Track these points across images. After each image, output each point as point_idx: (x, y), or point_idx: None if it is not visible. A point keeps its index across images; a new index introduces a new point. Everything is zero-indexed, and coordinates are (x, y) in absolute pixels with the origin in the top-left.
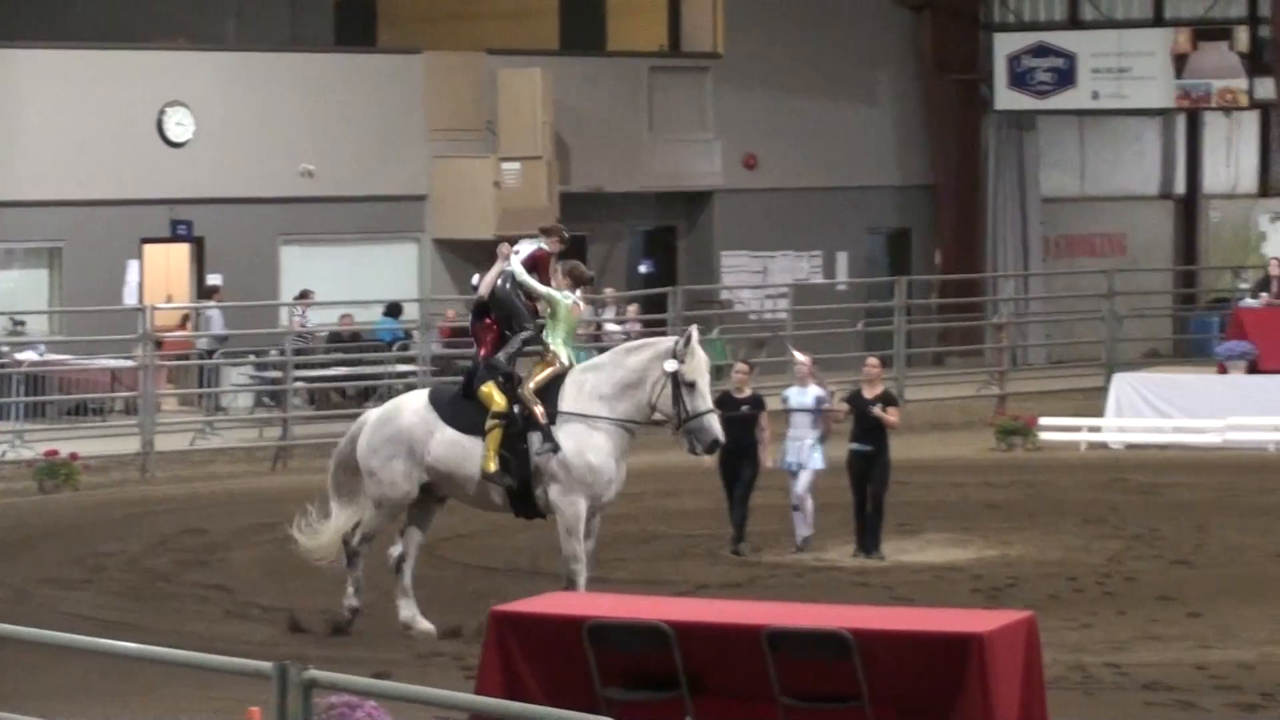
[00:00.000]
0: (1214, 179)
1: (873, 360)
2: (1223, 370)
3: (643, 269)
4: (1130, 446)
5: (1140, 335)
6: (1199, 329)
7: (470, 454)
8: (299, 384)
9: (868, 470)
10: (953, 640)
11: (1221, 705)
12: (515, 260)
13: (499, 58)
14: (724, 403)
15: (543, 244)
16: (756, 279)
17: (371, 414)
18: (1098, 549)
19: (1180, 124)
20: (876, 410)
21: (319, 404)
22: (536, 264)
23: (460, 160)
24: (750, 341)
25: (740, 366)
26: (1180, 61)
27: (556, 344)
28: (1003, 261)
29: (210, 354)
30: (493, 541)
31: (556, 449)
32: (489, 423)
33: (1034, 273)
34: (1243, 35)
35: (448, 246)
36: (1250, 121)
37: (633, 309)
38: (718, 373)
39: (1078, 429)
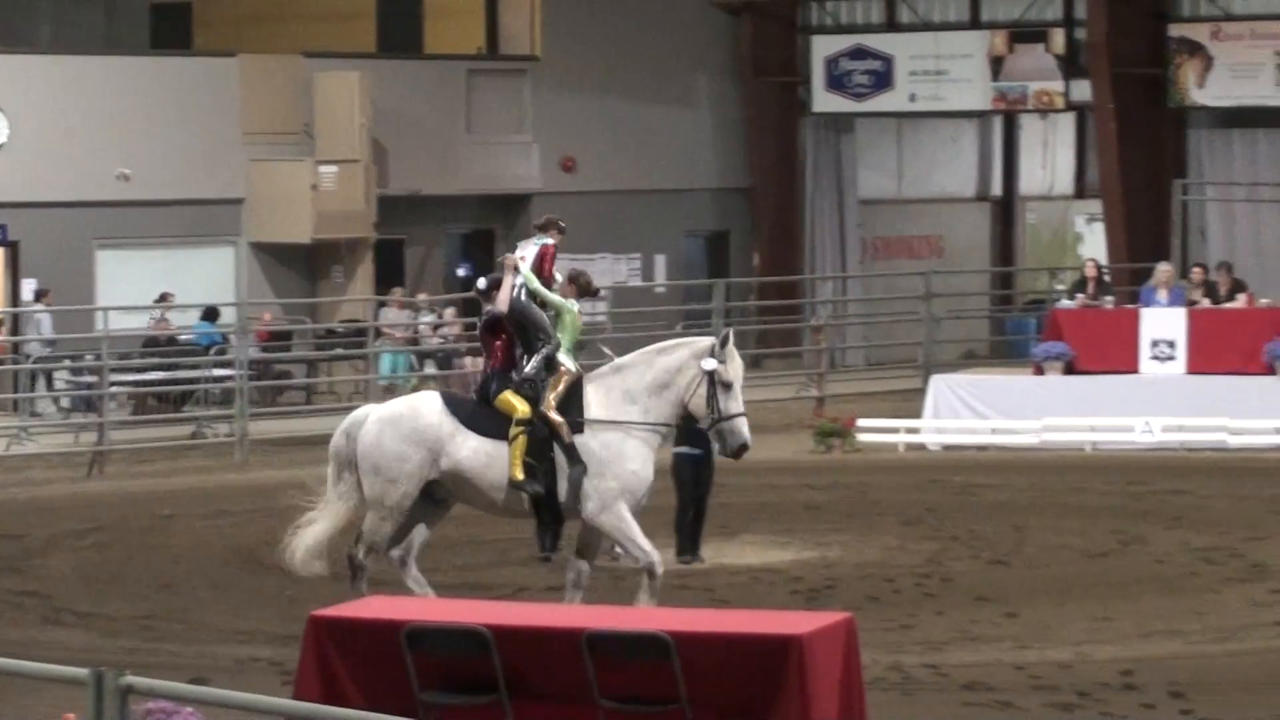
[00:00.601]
0: (1030, 181)
1: None
2: (1039, 371)
3: (461, 272)
4: (948, 447)
5: (957, 336)
6: (1016, 330)
7: (495, 460)
8: (115, 389)
9: (695, 474)
10: (771, 642)
11: (1039, 705)
12: (525, 268)
13: (316, 61)
14: None
15: (545, 239)
16: None
17: (374, 411)
18: (916, 550)
19: (997, 126)
20: None
21: (136, 409)
22: (544, 261)
23: (277, 164)
24: None
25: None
26: (997, 64)
27: (563, 354)
28: (821, 264)
29: (39, 358)
30: None
31: (584, 473)
32: (513, 430)
33: (852, 275)
34: (1059, 38)
35: (265, 250)
36: (1066, 124)
37: (450, 312)
38: None
39: (896, 430)
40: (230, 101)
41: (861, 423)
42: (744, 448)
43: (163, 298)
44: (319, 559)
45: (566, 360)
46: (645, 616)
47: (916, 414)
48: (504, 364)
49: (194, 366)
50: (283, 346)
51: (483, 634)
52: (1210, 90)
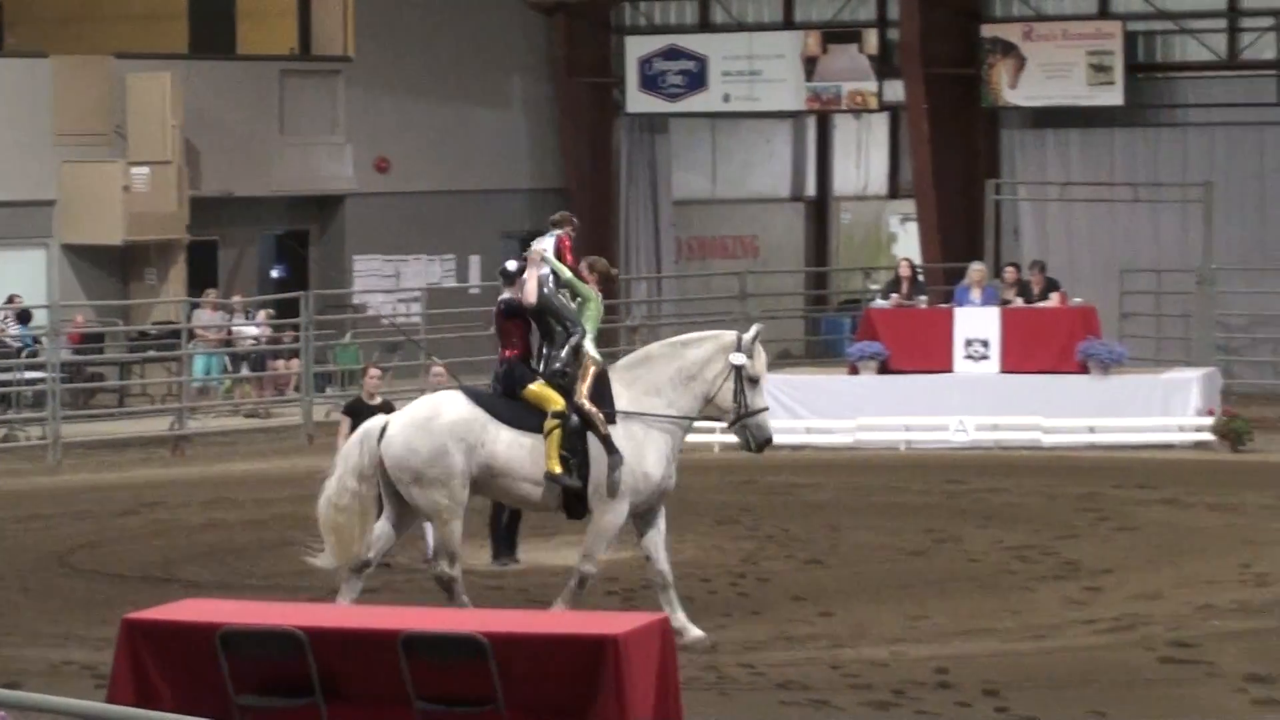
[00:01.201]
0: (844, 181)
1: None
2: (854, 371)
3: (274, 273)
4: None
5: (772, 336)
6: (830, 330)
7: (531, 453)
8: None
9: None
10: (587, 642)
11: (855, 704)
12: (550, 256)
13: (128, 61)
14: (356, 409)
15: (558, 232)
16: (389, 283)
17: (392, 420)
18: (731, 550)
19: (811, 126)
20: None
21: None
22: (564, 251)
23: (89, 165)
24: (383, 345)
25: (373, 371)
26: (810, 64)
27: (589, 343)
28: (635, 264)
29: None
30: (125, 549)
31: (621, 462)
32: (549, 423)
33: (667, 275)
34: (872, 38)
35: (76, 252)
36: (880, 124)
37: (263, 314)
38: (351, 377)
39: (711, 430)
40: (41, 102)
41: None
42: (768, 442)
43: (10, 299)
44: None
45: (592, 350)
46: (461, 618)
47: None
48: (523, 352)
49: (6, 369)
50: (95, 349)
51: (297, 636)
52: (1023, 90)
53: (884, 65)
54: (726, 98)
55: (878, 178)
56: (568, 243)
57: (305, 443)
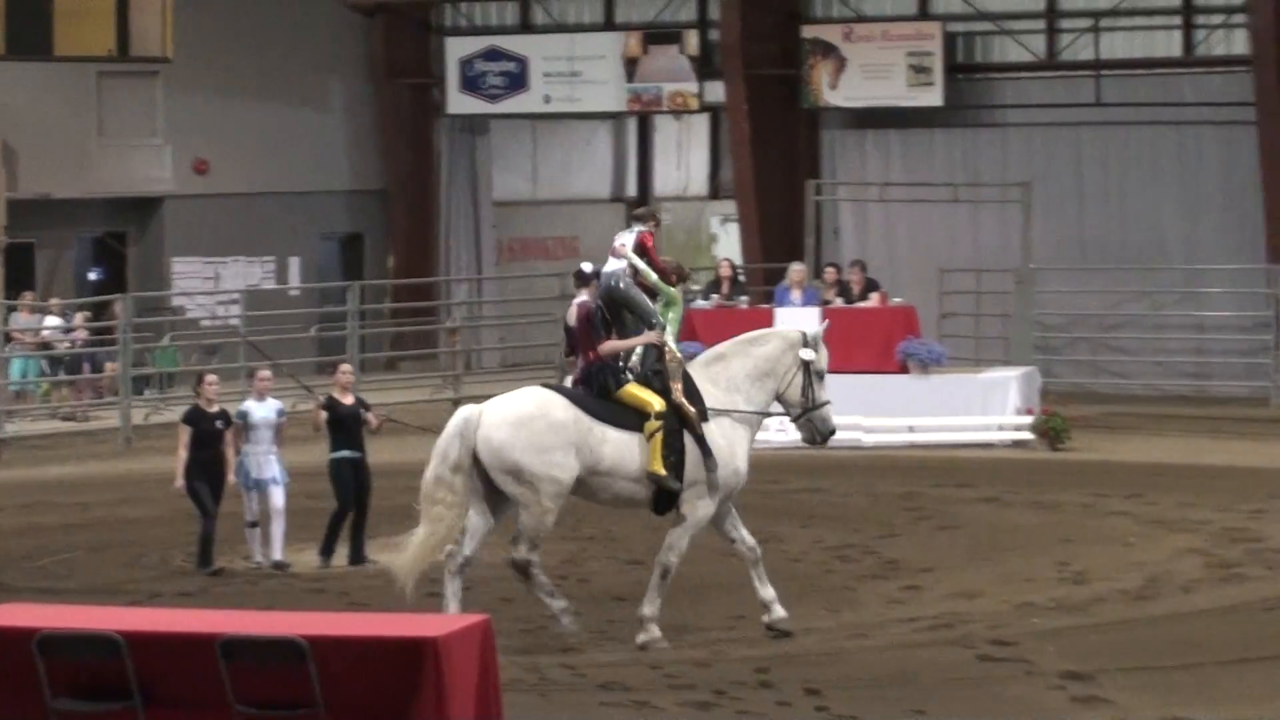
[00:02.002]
0: (665, 182)
1: (346, 366)
2: None
3: (92, 276)
4: None
5: None
6: None
7: (634, 453)
8: None
9: (356, 477)
10: (407, 644)
11: (676, 704)
12: (630, 251)
13: None
14: (195, 418)
15: (641, 227)
16: (208, 285)
17: (487, 412)
18: (553, 551)
19: (631, 127)
20: (369, 416)
21: None
22: (646, 248)
23: None
24: (202, 348)
25: (210, 378)
26: (631, 65)
27: (670, 339)
28: (456, 265)
29: None
30: None
31: (717, 464)
32: (651, 424)
33: (487, 276)
34: (693, 39)
35: None
36: (701, 125)
37: (81, 316)
38: (170, 380)
39: None
40: None
41: None
42: (832, 433)
43: None
44: (420, 569)
45: (674, 346)
46: (280, 621)
47: None
48: (597, 354)
49: None
50: None
51: (115, 640)
52: (843, 91)
53: (705, 66)
54: (547, 99)
55: (698, 178)
56: (649, 238)
57: (123, 446)
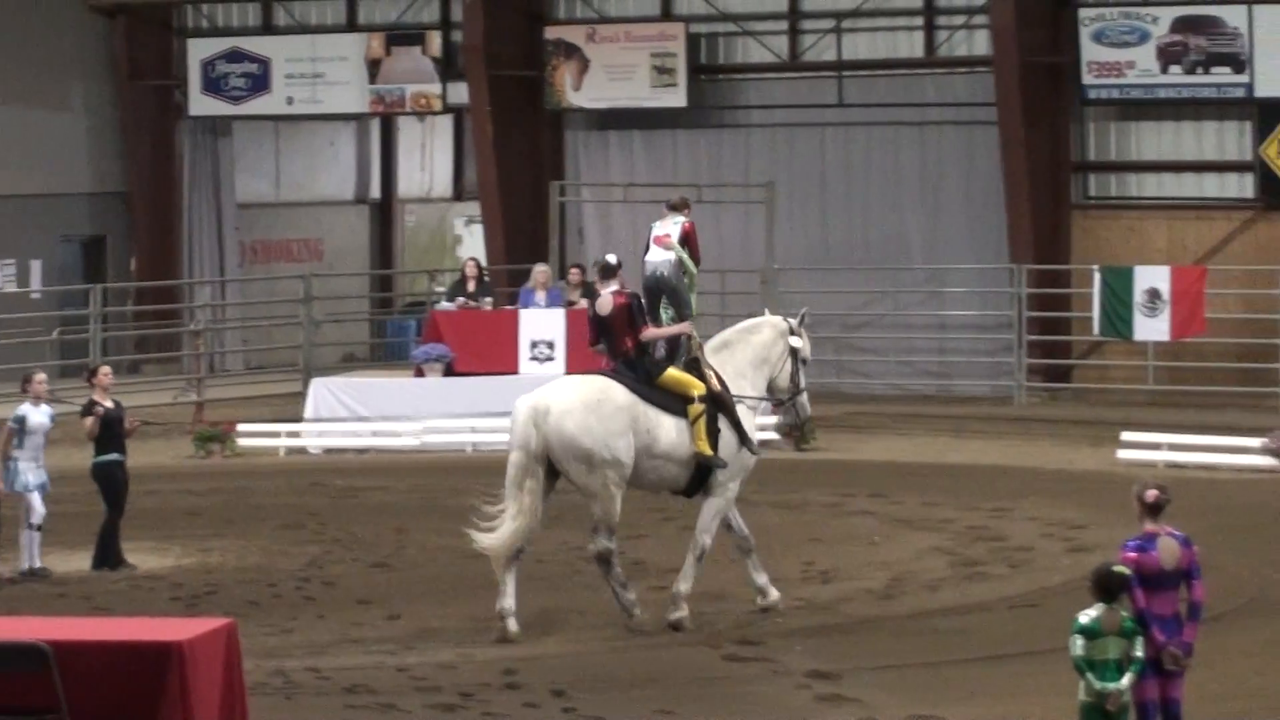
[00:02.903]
0: (409, 183)
1: (105, 369)
2: (420, 373)
3: None
4: (329, 450)
5: (337, 340)
6: (396, 333)
7: (683, 436)
8: None
9: (125, 480)
10: (151, 649)
11: (422, 706)
12: (674, 241)
13: None
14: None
15: (681, 218)
16: None
17: (554, 400)
18: (297, 554)
19: (375, 129)
20: (130, 420)
21: None
22: (690, 239)
23: None
24: None
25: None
26: (374, 67)
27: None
28: (199, 268)
29: None
30: None
31: (755, 447)
32: (695, 407)
33: (230, 279)
34: (435, 40)
35: None
36: (444, 126)
37: None
38: None
39: (276, 434)
40: None
41: (242, 427)
42: (810, 419)
43: None
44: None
45: (695, 335)
46: (23, 627)
47: (297, 417)
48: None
49: None
50: None
51: None
52: (587, 92)
53: (448, 67)
54: (290, 100)
55: (442, 180)
56: (693, 228)
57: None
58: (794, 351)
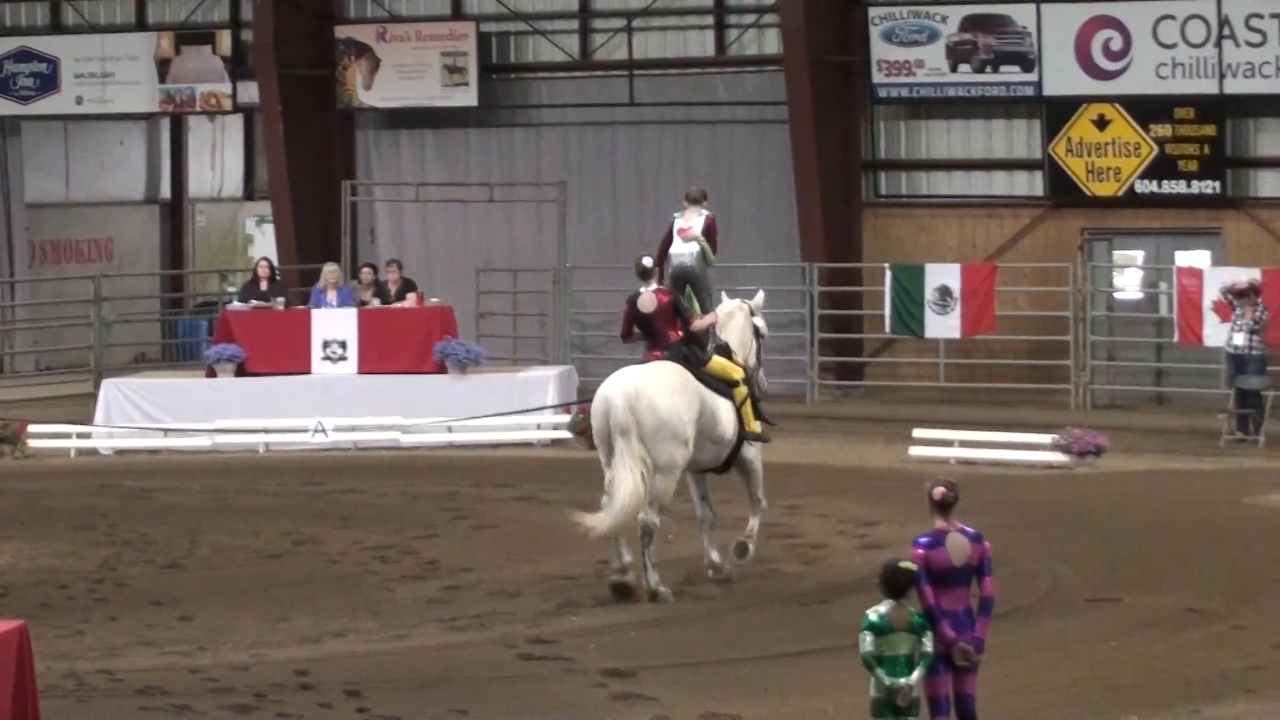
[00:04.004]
0: (200, 183)
1: None
2: (212, 374)
3: None
4: (120, 452)
5: (129, 340)
6: (187, 333)
7: (733, 417)
8: None
9: None
10: None
11: (216, 708)
12: (698, 233)
13: None
14: None
15: (704, 210)
16: None
17: (645, 382)
18: (89, 555)
19: (165, 128)
20: None
21: None
22: (712, 231)
23: None
24: None
25: None
26: (164, 66)
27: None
28: None
29: None
30: None
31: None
32: (741, 389)
33: (20, 280)
34: (225, 39)
35: None
36: (235, 126)
37: None
38: None
39: (68, 435)
40: None
41: (32, 428)
42: (764, 394)
43: None
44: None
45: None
46: None
47: (88, 419)
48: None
49: None
50: None
51: None
52: (378, 91)
53: (238, 67)
54: (79, 100)
55: (233, 179)
56: (713, 221)
57: None
58: (758, 331)
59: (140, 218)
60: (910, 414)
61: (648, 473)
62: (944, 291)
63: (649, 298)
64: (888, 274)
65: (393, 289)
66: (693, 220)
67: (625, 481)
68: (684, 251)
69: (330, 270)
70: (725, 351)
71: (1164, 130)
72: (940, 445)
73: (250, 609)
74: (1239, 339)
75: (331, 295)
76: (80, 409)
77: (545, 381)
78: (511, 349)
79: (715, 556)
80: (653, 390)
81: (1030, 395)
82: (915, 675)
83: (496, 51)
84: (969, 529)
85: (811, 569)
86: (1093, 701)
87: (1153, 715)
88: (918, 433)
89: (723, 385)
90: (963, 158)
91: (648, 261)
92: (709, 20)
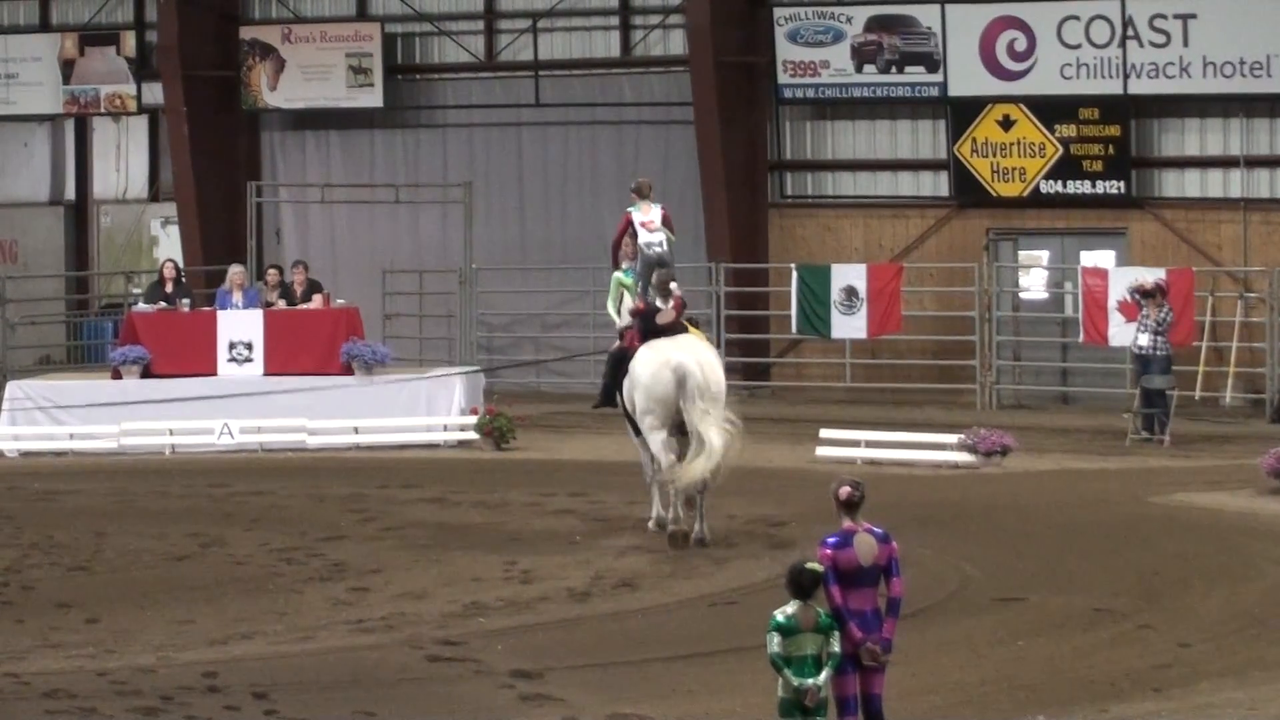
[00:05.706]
0: (104, 184)
1: None
2: (117, 375)
3: None
4: (25, 454)
5: (33, 342)
6: (92, 334)
7: None
8: None
9: None
10: None
11: (123, 711)
12: (659, 224)
13: None
14: None
15: (657, 204)
16: None
17: (694, 355)
18: None
19: (69, 130)
20: None
21: None
22: (668, 223)
23: None
24: None
25: None
26: (68, 67)
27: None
28: None
29: None
30: None
31: None
32: None
33: None
34: (129, 40)
35: None
36: (140, 127)
37: None
38: None
39: None
40: None
41: None
42: None
43: None
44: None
45: None
46: None
47: None
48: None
49: None
50: None
51: None
52: (283, 92)
53: (143, 68)
54: None
55: (138, 181)
56: (668, 213)
57: None
58: None
59: (45, 219)
60: (817, 414)
61: (733, 429)
62: (850, 292)
63: (669, 312)
64: (794, 274)
65: (299, 290)
66: (652, 214)
67: (716, 437)
68: (654, 240)
69: (236, 271)
70: (694, 323)
71: (1069, 130)
72: (847, 445)
73: (157, 611)
74: (1144, 339)
75: (237, 296)
76: None
77: (452, 383)
78: (418, 350)
79: (654, 513)
80: (714, 360)
81: (936, 395)
82: (823, 675)
83: (402, 52)
84: (877, 529)
85: (719, 569)
86: (1000, 701)
87: (1060, 715)
88: (824, 433)
89: None
90: (868, 158)
91: (675, 287)
92: (614, 21)
